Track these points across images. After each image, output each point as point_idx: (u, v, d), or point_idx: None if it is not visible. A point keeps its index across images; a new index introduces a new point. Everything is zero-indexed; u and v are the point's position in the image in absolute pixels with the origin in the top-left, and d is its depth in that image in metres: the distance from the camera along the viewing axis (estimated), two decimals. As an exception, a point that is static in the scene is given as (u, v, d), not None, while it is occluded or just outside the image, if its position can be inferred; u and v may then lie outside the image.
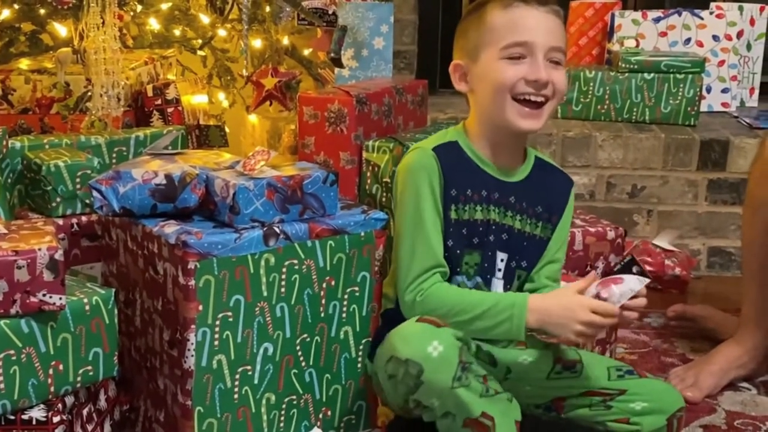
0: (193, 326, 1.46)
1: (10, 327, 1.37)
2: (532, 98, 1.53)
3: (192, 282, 1.44)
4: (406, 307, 1.53)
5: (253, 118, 2.66)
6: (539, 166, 1.64)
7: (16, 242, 1.39)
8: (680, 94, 2.76)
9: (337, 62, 2.51)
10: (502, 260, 1.59)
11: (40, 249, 1.37)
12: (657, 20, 3.00)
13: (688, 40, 3.00)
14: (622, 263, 1.53)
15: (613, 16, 3.02)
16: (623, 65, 2.77)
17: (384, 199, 2.08)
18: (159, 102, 2.17)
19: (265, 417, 1.57)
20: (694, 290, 2.58)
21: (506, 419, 1.44)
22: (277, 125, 2.61)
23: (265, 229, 1.50)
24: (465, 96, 1.64)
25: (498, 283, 1.59)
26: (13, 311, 1.37)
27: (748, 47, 3.04)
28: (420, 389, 1.41)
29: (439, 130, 1.68)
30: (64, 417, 1.44)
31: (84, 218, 1.73)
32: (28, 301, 1.37)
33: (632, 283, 1.48)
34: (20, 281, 1.36)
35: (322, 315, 1.59)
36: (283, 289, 1.54)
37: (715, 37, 2.99)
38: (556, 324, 1.48)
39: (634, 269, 1.50)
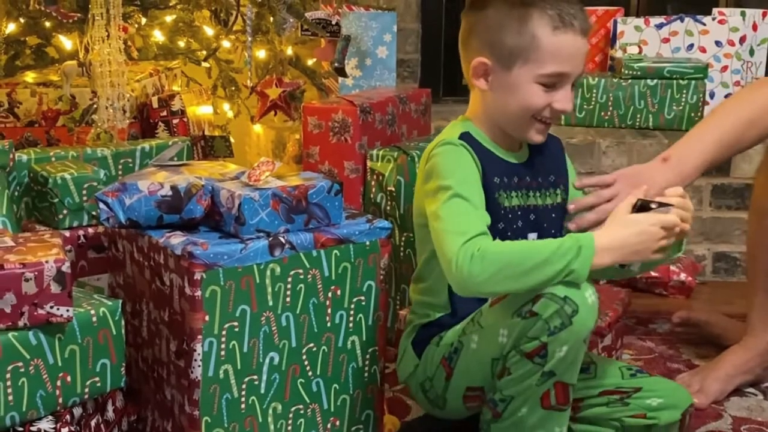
0: (199, 336, 1.47)
1: (18, 339, 1.38)
2: (549, 121, 1.56)
3: (198, 292, 1.45)
4: (462, 268, 1.42)
5: (257, 128, 2.68)
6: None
7: (23, 255, 1.39)
8: (683, 99, 2.77)
9: (340, 72, 2.53)
10: (533, 239, 1.59)
11: (47, 261, 1.38)
12: (659, 26, 3.01)
13: (690, 46, 3.00)
14: (637, 207, 1.48)
15: (615, 22, 3.03)
16: (626, 72, 2.78)
17: (389, 208, 2.08)
18: (164, 113, 2.19)
19: (272, 426, 1.57)
20: (700, 296, 2.59)
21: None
22: (281, 135, 2.62)
23: (270, 239, 1.50)
24: (471, 90, 1.62)
25: None
26: (21, 323, 1.38)
27: (751, 52, 3.05)
28: (562, 332, 1.39)
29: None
30: (72, 428, 1.44)
31: (91, 230, 1.74)
32: (35, 313, 1.38)
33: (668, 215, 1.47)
34: (28, 293, 1.37)
35: (329, 324, 1.59)
36: (288, 299, 1.54)
37: (718, 43, 3.00)
38: (634, 253, 1.45)
39: (653, 206, 1.47)
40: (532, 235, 1.60)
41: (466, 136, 1.57)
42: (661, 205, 1.47)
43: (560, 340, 1.40)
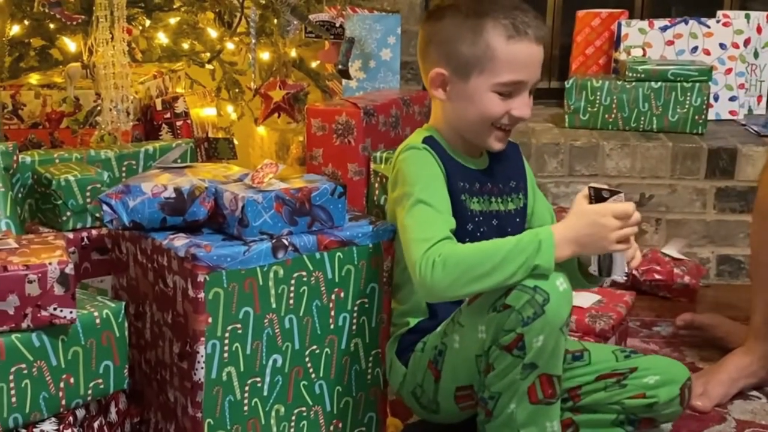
0: (202, 338, 1.47)
1: (22, 341, 1.38)
2: (508, 128, 1.59)
3: (201, 294, 1.45)
4: (425, 276, 1.44)
5: (261, 130, 2.67)
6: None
7: (27, 256, 1.40)
8: (688, 102, 2.76)
9: (344, 74, 2.52)
10: None
11: (50, 263, 1.38)
12: (664, 29, 3.01)
13: (695, 49, 3.00)
14: (592, 199, 1.48)
15: (619, 25, 3.03)
16: (630, 74, 2.78)
17: (392, 210, 2.08)
18: (168, 115, 2.19)
19: (275, 429, 1.57)
20: (703, 299, 2.58)
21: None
22: (285, 137, 2.62)
23: (273, 241, 1.50)
24: (432, 99, 1.65)
25: None
26: (24, 325, 1.38)
27: (756, 55, 3.05)
28: (535, 322, 1.40)
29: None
30: (75, 430, 1.44)
31: (94, 232, 1.74)
32: (39, 314, 1.38)
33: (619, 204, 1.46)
34: (31, 295, 1.37)
35: (332, 327, 1.59)
36: (291, 301, 1.54)
37: (722, 45, 2.99)
38: (591, 244, 1.45)
39: (604, 194, 1.47)
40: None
41: (429, 140, 1.60)
42: (612, 192, 1.46)
43: (535, 329, 1.41)
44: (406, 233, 1.51)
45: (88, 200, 1.73)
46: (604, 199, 1.47)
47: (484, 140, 1.60)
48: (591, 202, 1.48)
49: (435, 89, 1.60)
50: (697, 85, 2.75)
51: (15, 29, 2.14)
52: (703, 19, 3.00)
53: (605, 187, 1.48)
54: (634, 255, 1.51)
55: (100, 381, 1.48)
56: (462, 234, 1.54)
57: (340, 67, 2.51)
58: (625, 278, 1.56)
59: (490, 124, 1.58)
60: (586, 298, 2.02)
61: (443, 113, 1.63)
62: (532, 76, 1.56)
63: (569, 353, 1.63)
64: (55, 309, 1.38)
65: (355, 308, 1.61)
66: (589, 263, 1.54)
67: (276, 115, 2.46)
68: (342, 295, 1.59)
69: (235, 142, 2.44)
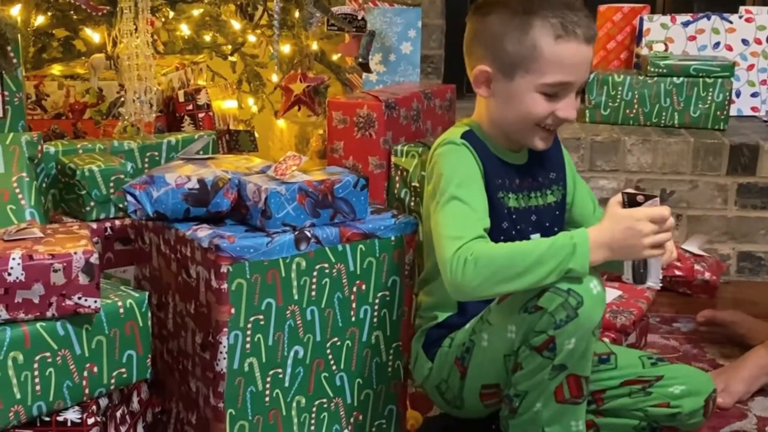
0: (225, 329, 1.47)
1: (46, 329, 1.39)
2: (553, 128, 1.56)
3: (224, 285, 1.45)
4: (456, 274, 1.42)
5: (281, 123, 2.68)
6: None
7: (52, 246, 1.41)
8: (709, 98, 2.75)
9: (365, 67, 2.53)
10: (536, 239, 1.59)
11: (76, 252, 1.39)
12: (686, 24, 2.99)
13: (717, 44, 2.99)
14: (626, 205, 1.44)
15: (641, 20, 3.02)
16: (652, 69, 2.77)
17: (413, 204, 2.08)
18: (190, 107, 2.19)
19: (295, 420, 1.58)
20: (724, 295, 2.57)
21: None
22: (305, 130, 2.62)
23: (296, 233, 1.51)
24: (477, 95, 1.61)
25: None
26: (49, 314, 1.39)
27: (778, 51, 3.03)
28: (567, 325, 1.38)
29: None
30: (99, 419, 1.45)
31: (117, 222, 1.75)
32: (63, 304, 1.39)
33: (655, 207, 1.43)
34: (56, 284, 1.38)
35: (353, 319, 1.60)
36: (313, 293, 1.55)
37: (745, 41, 2.97)
38: (625, 249, 1.42)
39: (639, 199, 1.43)
40: (535, 236, 1.59)
41: (468, 135, 1.57)
42: (647, 197, 1.43)
43: (567, 332, 1.40)
44: (439, 229, 1.49)
45: (112, 191, 1.74)
46: (638, 204, 1.43)
47: (528, 139, 1.56)
48: (624, 207, 1.44)
49: (479, 86, 1.56)
50: (719, 80, 2.74)
51: (39, 20, 2.15)
52: (725, 15, 2.98)
53: (639, 192, 1.44)
54: (669, 260, 1.48)
55: (123, 370, 1.49)
56: (497, 233, 1.52)
57: (360, 60, 2.51)
58: (660, 285, 1.51)
59: (534, 124, 1.54)
60: (607, 294, 2.01)
61: (487, 110, 1.59)
62: (579, 77, 1.51)
63: (596, 356, 1.62)
64: (79, 298, 1.39)
65: (377, 301, 1.62)
66: (621, 272, 1.50)
67: (296, 107, 2.47)
68: (363, 287, 1.60)
69: (256, 134, 2.44)
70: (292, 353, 1.55)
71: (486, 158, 1.56)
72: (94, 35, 2.21)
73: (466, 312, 1.58)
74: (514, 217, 1.58)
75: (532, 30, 1.49)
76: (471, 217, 1.48)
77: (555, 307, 1.39)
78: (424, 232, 1.63)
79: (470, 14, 1.60)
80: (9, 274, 1.35)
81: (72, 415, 1.43)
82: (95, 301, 1.41)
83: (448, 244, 1.45)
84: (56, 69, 2.23)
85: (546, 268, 1.40)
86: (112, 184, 1.74)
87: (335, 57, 2.70)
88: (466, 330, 1.56)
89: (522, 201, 1.60)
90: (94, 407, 1.45)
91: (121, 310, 1.47)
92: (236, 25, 2.49)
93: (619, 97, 2.80)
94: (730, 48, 2.98)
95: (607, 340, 1.86)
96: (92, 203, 1.73)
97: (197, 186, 1.54)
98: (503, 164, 1.59)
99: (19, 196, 1.65)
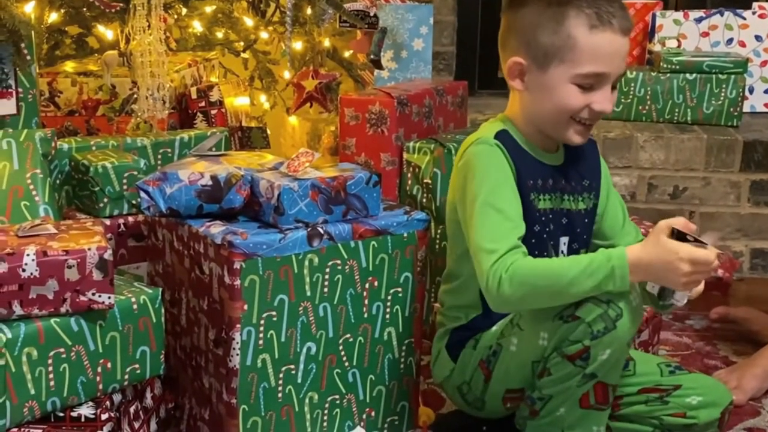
0: (238, 325, 1.48)
1: (60, 325, 1.40)
2: (589, 122, 1.53)
3: (237, 282, 1.46)
4: (492, 290, 1.41)
5: (293, 119, 2.68)
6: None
7: (66, 242, 1.41)
8: (722, 94, 2.74)
9: (376, 64, 2.53)
10: (564, 244, 1.58)
11: (89, 249, 1.39)
12: (699, 20, 2.98)
13: (730, 41, 2.97)
14: (674, 235, 1.40)
15: (654, 16, 3.01)
16: (665, 66, 2.76)
17: (425, 200, 2.08)
18: (203, 104, 2.20)
19: (308, 416, 1.58)
20: (737, 292, 2.56)
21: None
22: (317, 127, 2.63)
23: (309, 229, 1.51)
24: (510, 89, 1.59)
25: None
26: (63, 310, 1.39)
27: (792, 47, 3.02)
28: (605, 336, 1.38)
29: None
30: (112, 414, 1.46)
31: (131, 218, 1.76)
32: (77, 300, 1.39)
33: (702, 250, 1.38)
34: (70, 280, 1.38)
35: (366, 315, 1.60)
36: (326, 289, 1.55)
37: (758, 37, 2.96)
38: (660, 278, 1.40)
39: (689, 238, 1.39)
40: (564, 239, 1.58)
41: (502, 135, 1.54)
42: (697, 240, 1.39)
43: (604, 343, 1.39)
44: (474, 238, 1.47)
45: (125, 187, 1.74)
46: (685, 241, 1.39)
47: (563, 134, 1.53)
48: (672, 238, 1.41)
49: (512, 79, 1.54)
50: (733, 77, 2.72)
51: (53, 17, 2.15)
52: (738, 11, 2.97)
53: (691, 235, 1.39)
54: (698, 293, 1.47)
55: (136, 366, 1.49)
56: (528, 236, 1.49)
57: (372, 57, 2.51)
58: (682, 305, 1.48)
59: (569, 117, 1.51)
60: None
61: (521, 104, 1.56)
62: (615, 69, 1.49)
63: None
64: (93, 294, 1.40)
65: (389, 297, 1.62)
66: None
67: (308, 104, 2.47)
68: (376, 284, 1.60)
69: (268, 131, 2.44)
70: (304, 349, 1.55)
71: (519, 158, 1.53)
72: (107, 32, 2.21)
73: (491, 314, 1.54)
74: (544, 219, 1.55)
75: (567, 20, 1.47)
76: (505, 226, 1.46)
77: (593, 318, 1.39)
78: (450, 229, 1.61)
79: (504, 8, 1.59)
80: (23, 270, 1.36)
81: (86, 410, 1.43)
82: (109, 297, 1.41)
83: (484, 257, 1.43)
84: (69, 66, 2.23)
85: (582, 289, 1.38)
86: (125, 181, 1.74)
87: (347, 54, 2.70)
88: (492, 333, 1.54)
89: (554, 202, 1.57)
90: (107, 403, 1.46)
91: (135, 306, 1.47)
92: (249, 21, 2.49)
93: (631, 93, 2.79)
94: (743, 44, 2.96)
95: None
96: (105, 200, 1.74)
97: (210, 182, 1.54)
98: (537, 163, 1.56)
99: (33, 192, 1.66)
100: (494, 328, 1.55)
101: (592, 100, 1.49)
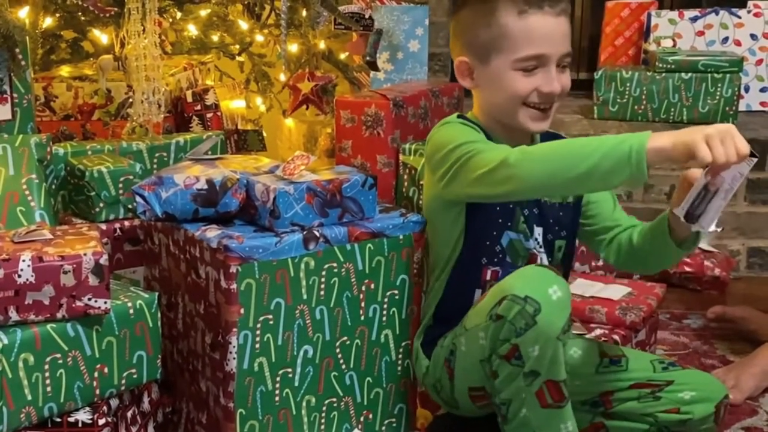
0: (234, 329, 1.48)
1: (57, 331, 1.40)
2: (542, 106, 1.55)
3: (234, 285, 1.46)
4: (505, 170, 1.40)
5: (289, 122, 2.68)
6: (546, 137, 1.62)
7: (62, 247, 1.41)
8: (718, 93, 2.74)
9: (372, 65, 2.53)
10: (539, 234, 1.60)
11: (85, 254, 1.39)
12: (694, 19, 2.99)
13: (725, 39, 2.98)
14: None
15: (649, 15, 3.01)
16: (660, 65, 2.76)
17: (421, 202, 2.08)
18: (198, 107, 2.20)
19: (305, 419, 1.58)
20: (734, 291, 2.57)
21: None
22: (313, 129, 2.63)
23: (304, 232, 1.51)
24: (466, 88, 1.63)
25: (543, 257, 1.60)
26: (59, 315, 1.39)
27: (787, 46, 3.02)
28: (527, 333, 1.37)
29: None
30: (109, 419, 1.46)
31: (126, 223, 1.76)
32: (73, 305, 1.39)
33: (741, 166, 1.32)
34: (66, 286, 1.38)
35: (362, 318, 1.60)
36: (322, 293, 1.55)
37: (753, 36, 2.97)
38: (683, 140, 1.30)
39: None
40: (538, 230, 1.60)
41: (463, 117, 1.59)
42: (752, 154, 1.29)
43: (529, 340, 1.38)
44: (468, 163, 1.46)
45: (121, 191, 1.74)
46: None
47: (519, 121, 1.55)
48: None
49: (463, 79, 1.60)
50: (728, 76, 2.73)
51: (47, 21, 2.15)
52: (734, 10, 2.97)
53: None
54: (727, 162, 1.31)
55: (133, 371, 1.49)
56: (493, 227, 1.53)
57: (368, 58, 2.51)
58: (713, 231, 1.40)
59: (521, 103, 1.54)
60: (616, 290, 2.01)
61: (478, 102, 1.61)
62: (554, 49, 1.51)
63: (607, 357, 1.62)
64: (89, 299, 1.40)
65: (386, 300, 1.62)
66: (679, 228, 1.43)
67: (304, 107, 2.47)
68: (372, 286, 1.60)
69: (264, 134, 2.45)
70: (301, 353, 1.55)
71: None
72: (102, 36, 2.21)
73: (446, 315, 1.58)
74: (510, 206, 1.57)
75: (497, 11, 1.52)
76: (497, 146, 1.47)
77: (513, 316, 1.38)
78: (428, 227, 1.63)
79: (450, 16, 1.62)
80: (19, 276, 1.36)
81: (83, 415, 1.43)
82: (105, 302, 1.41)
83: (489, 155, 1.44)
84: (65, 70, 2.23)
85: (604, 148, 1.33)
86: (121, 185, 1.74)
87: (343, 56, 2.71)
88: (452, 332, 1.56)
89: None
90: (104, 408, 1.46)
91: (131, 311, 1.47)
92: (244, 25, 2.49)
93: (627, 93, 2.79)
94: (738, 43, 2.97)
95: (617, 337, 1.86)
96: (101, 204, 1.74)
97: (206, 186, 1.54)
98: None
99: (29, 197, 1.66)
100: (456, 328, 1.56)
101: (538, 83, 1.52)
